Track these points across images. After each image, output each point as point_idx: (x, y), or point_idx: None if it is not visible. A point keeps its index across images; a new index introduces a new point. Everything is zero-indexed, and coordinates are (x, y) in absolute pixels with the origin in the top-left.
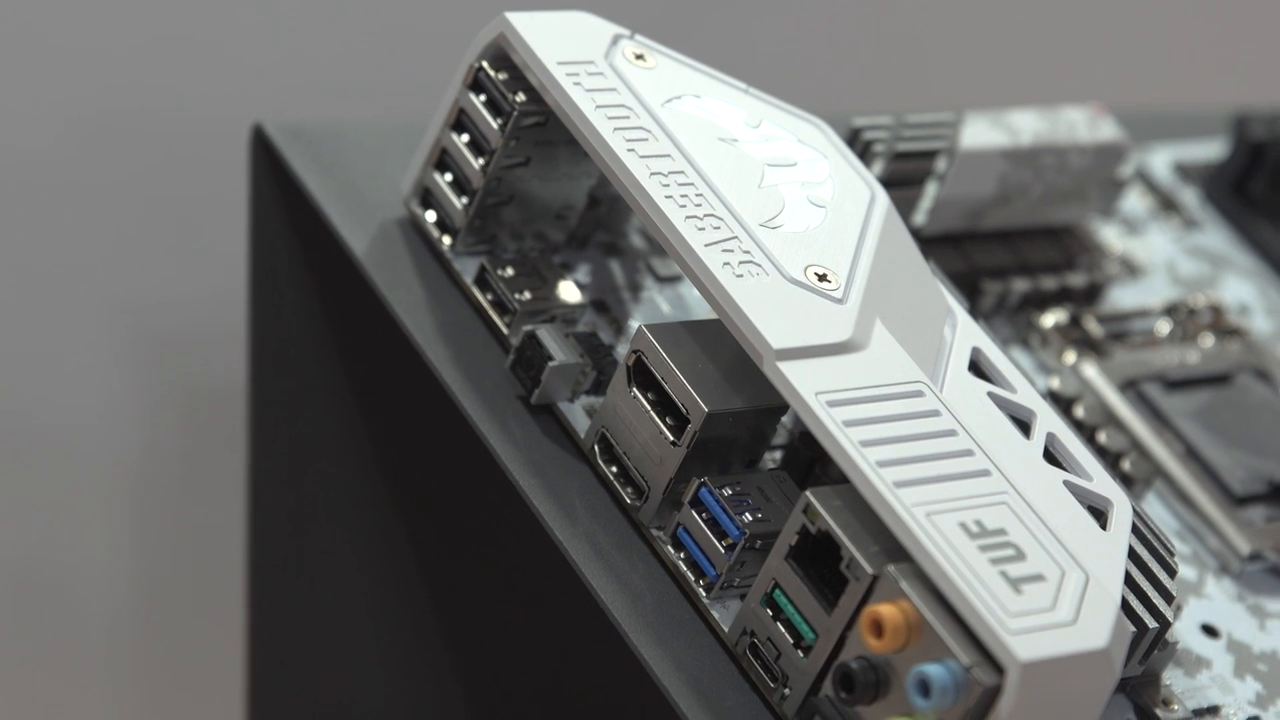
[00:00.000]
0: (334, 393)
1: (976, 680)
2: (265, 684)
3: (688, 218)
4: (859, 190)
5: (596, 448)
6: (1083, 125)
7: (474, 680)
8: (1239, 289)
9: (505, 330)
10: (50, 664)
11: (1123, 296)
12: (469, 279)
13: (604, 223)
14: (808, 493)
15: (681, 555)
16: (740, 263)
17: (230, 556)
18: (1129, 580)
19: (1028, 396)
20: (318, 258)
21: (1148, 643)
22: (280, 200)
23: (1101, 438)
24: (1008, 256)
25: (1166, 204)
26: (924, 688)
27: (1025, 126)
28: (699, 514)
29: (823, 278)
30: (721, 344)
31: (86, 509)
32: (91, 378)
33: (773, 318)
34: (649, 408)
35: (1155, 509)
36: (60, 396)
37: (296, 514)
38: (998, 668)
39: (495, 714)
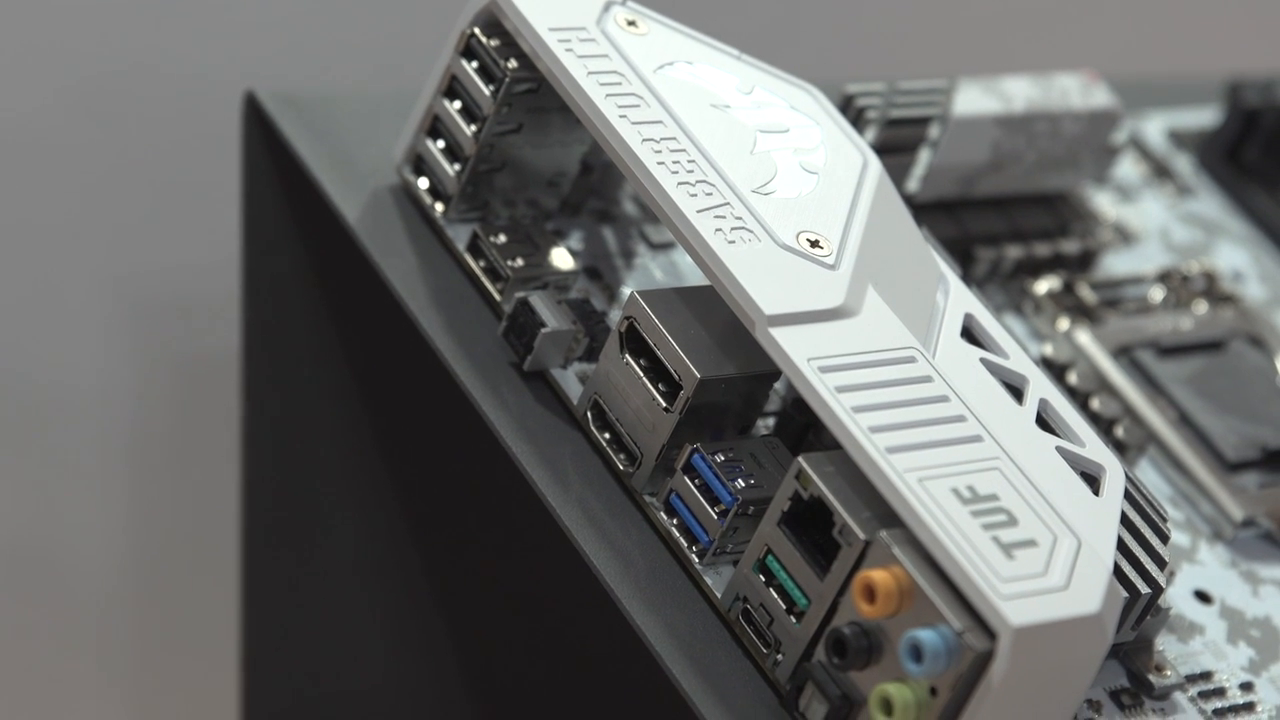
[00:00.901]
0: (327, 360)
1: (969, 645)
2: (260, 652)
3: (680, 184)
4: (851, 156)
5: (589, 414)
6: (1076, 92)
7: (467, 646)
8: (1232, 256)
9: (498, 297)
10: (42, 633)
11: (1116, 263)
12: (462, 246)
13: (597, 190)
14: (800, 458)
15: (674, 521)
16: (732, 229)
17: (224, 525)
18: (1121, 546)
19: (1020, 362)
20: (310, 225)
21: (1140, 608)
22: (273, 168)
23: (1095, 404)
24: (1001, 223)
25: (1160, 171)
26: (916, 653)
27: (1018, 93)
28: (692, 480)
29: (815, 244)
30: (714, 310)
31: (78, 478)
32: (83, 347)
33: (765, 284)
34: (641, 374)
35: (1148, 475)
36: (51, 366)
37: (290, 481)
38: (990, 633)
39: (489, 679)
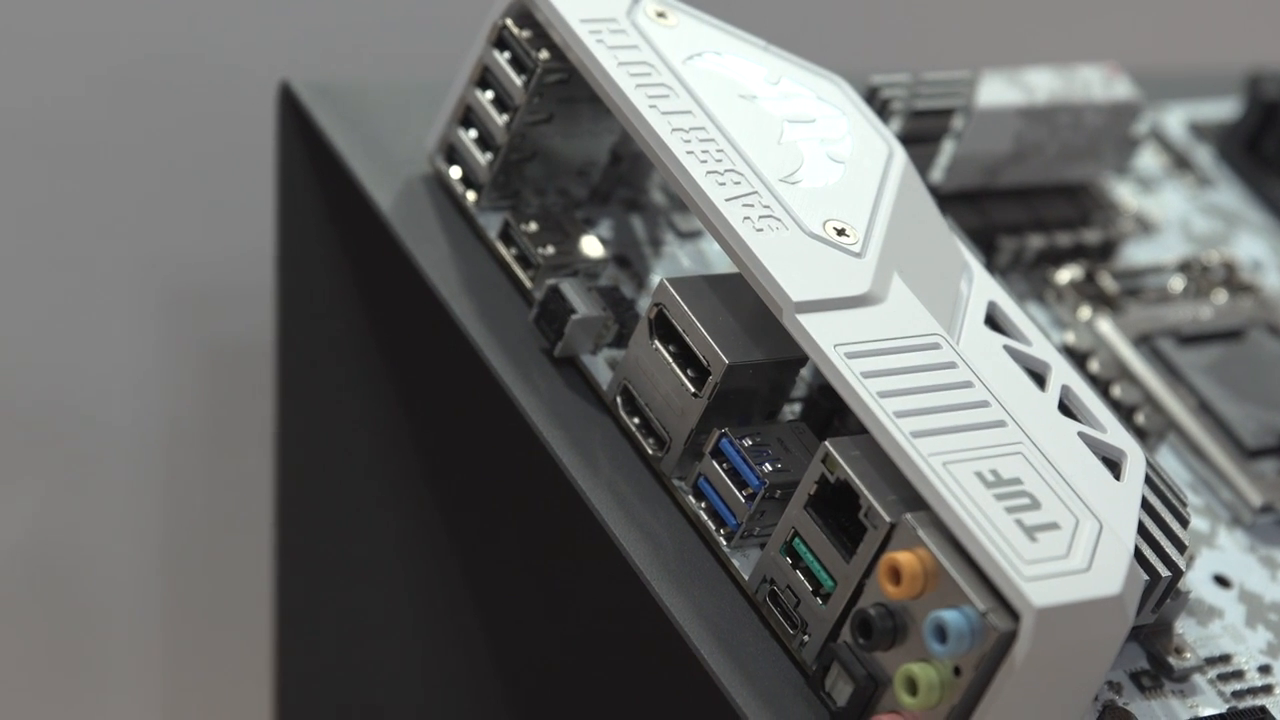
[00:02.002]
0: (360, 347)
1: (992, 626)
2: (294, 640)
3: (709, 173)
4: (877, 146)
5: (619, 399)
6: (1098, 84)
7: (497, 628)
8: (1252, 246)
9: (529, 284)
10: (74, 624)
11: (1137, 253)
12: (493, 234)
13: (625, 179)
14: (827, 443)
15: (702, 505)
16: (760, 217)
17: (258, 512)
18: (1142, 529)
19: (1043, 349)
20: (344, 213)
21: (1160, 591)
22: (307, 157)
23: (1116, 391)
24: (1024, 213)
25: (1180, 162)
26: (941, 633)
27: (1041, 85)
28: (720, 464)
29: (841, 232)
30: (742, 297)
31: (114, 465)
32: (119, 335)
33: (792, 271)
34: (670, 360)
35: (1168, 462)
36: (88, 354)
37: (324, 468)
38: (1013, 613)
39: (519, 661)
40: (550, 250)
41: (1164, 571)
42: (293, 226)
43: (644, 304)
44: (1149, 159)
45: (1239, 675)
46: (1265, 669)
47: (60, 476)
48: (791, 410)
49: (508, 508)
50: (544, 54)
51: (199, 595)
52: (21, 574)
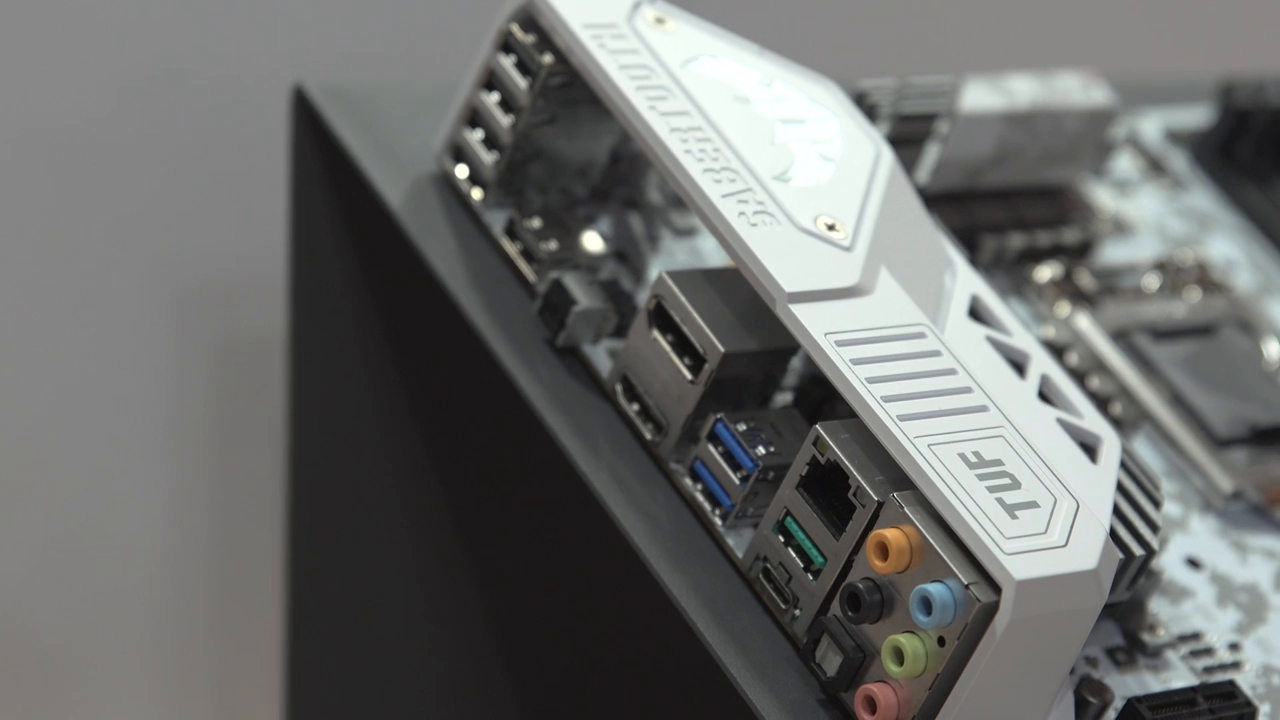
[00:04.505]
0: (370, 341)
1: (975, 598)
2: (304, 632)
3: (705, 170)
4: (865, 147)
5: (619, 387)
6: (1076, 90)
7: (502, 610)
8: (1224, 247)
9: (532, 278)
10: (83, 621)
11: (1114, 252)
12: (498, 230)
13: (624, 178)
14: (818, 426)
15: (699, 487)
16: (755, 212)
17: (269, 505)
18: (1117, 511)
19: (1023, 340)
20: (355, 211)
21: (1135, 569)
22: (319, 157)
23: (1093, 383)
24: (1005, 213)
25: (1156, 166)
26: (926, 606)
27: (1022, 90)
28: (715, 448)
29: (831, 227)
30: (736, 290)
31: (126, 459)
32: (133, 331)
33: (785, 263)
34: (668, 349)
35: (1143, 450)
36: (102, 350)
37: (334, 458)
38: (995, 586)
39: (522, 641)
40: (553, 245)
41: (1138, 550)
42: (305, 224)
43: (643, 296)
44: (1126, 163)
45: (1209, 652)
46: (1234, 646)
47: (72, 470)
48: (783, 399)
49: (512, 492)
50: (548, 58)
51: (209, 590)
52: (31, 566)
